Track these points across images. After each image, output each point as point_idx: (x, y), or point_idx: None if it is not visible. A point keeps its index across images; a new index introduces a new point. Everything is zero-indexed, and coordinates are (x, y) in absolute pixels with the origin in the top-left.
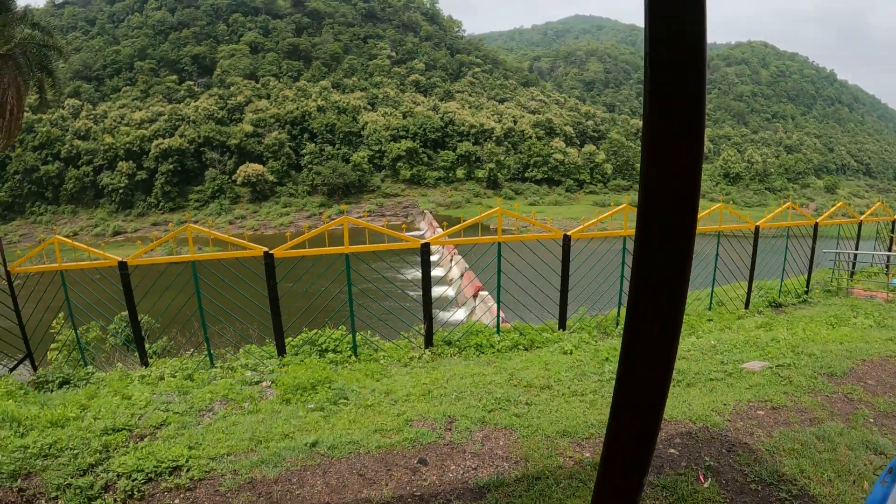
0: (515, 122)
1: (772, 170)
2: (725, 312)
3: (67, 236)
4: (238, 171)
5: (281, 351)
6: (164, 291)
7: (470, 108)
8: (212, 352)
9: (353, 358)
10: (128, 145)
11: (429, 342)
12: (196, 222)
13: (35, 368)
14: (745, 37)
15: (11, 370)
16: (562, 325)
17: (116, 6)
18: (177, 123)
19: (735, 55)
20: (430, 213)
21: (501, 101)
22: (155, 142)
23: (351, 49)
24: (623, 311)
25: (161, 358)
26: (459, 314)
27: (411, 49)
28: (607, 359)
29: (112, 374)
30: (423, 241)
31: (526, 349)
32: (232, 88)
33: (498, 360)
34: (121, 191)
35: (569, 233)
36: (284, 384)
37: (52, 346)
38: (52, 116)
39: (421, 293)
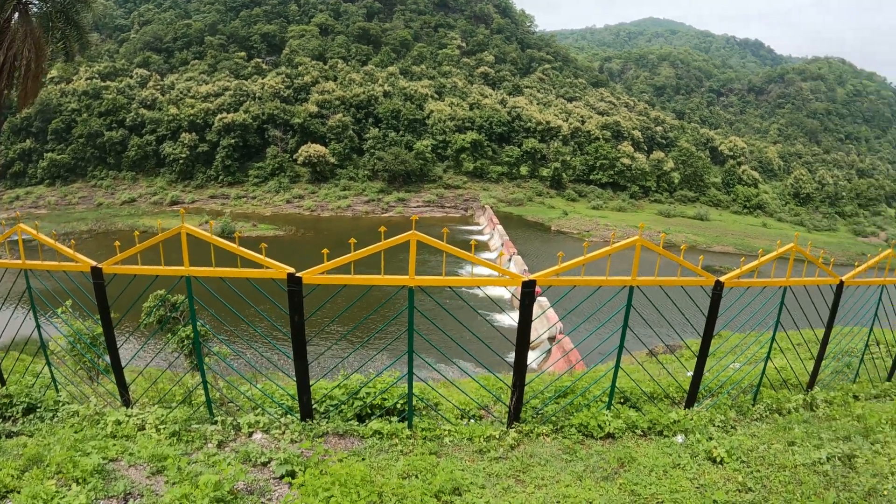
0: (583, 122)
1: (843, 193)
2: (867, 383)
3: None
4: (299, 151)
5: (307, 414)
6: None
7: (538, 104)
8: (211, 399)
9: (407, 430)
10: (192, 117)
11: (515, 416)
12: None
13: (3, 382)
14: (823, 51)
15: None
16: (690, 401)
17: None
18: (242, 99)
19: (811, 70)
20: (491, 208)
21: (570, 100)
22: (219, 115)
23: (421, 37)
24: (763, 380)
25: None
26: (514, 319)
27: (482, 41)
28: None
29: (82, 412)
30: (526, 279)
31: (644, 434)
32: (299, 68)
33: (621, 470)
34: (182, 161)
35: (722, 279)
36: None
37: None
38: (120, 84)
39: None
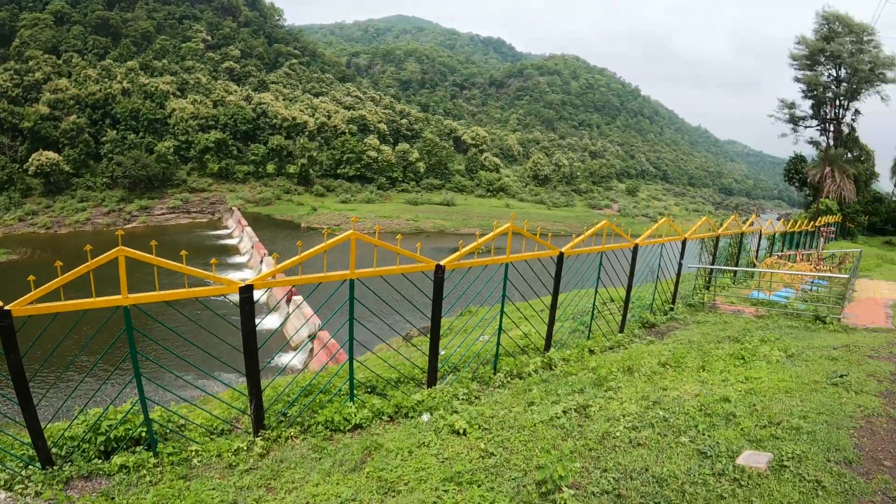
0: (330, 117)
1: (578, 173)
2: (601, 337)
3: None
4: (30, 160)
5: (46, 461)
6: None
7: (284, 100)
8: None
9: (153, 459)
10: None
11: (259, 424)
12: None
13: None
14: (560, 50)
15: None
16: (432, 380)
17: None
18: None
19: (548, 66)
20: (239, 209)
21: (317, 95)
22: None
23: (164, 28)
24: (499, 349)
25: None
26: (271, 321)
27: (228, 34)
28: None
29: None
30: (244, 284)
31: (391, 419)
32: (30, 63)
33: (368, 459)
34: None
35: (443, 262)
36: None
37: None
38: None
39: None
